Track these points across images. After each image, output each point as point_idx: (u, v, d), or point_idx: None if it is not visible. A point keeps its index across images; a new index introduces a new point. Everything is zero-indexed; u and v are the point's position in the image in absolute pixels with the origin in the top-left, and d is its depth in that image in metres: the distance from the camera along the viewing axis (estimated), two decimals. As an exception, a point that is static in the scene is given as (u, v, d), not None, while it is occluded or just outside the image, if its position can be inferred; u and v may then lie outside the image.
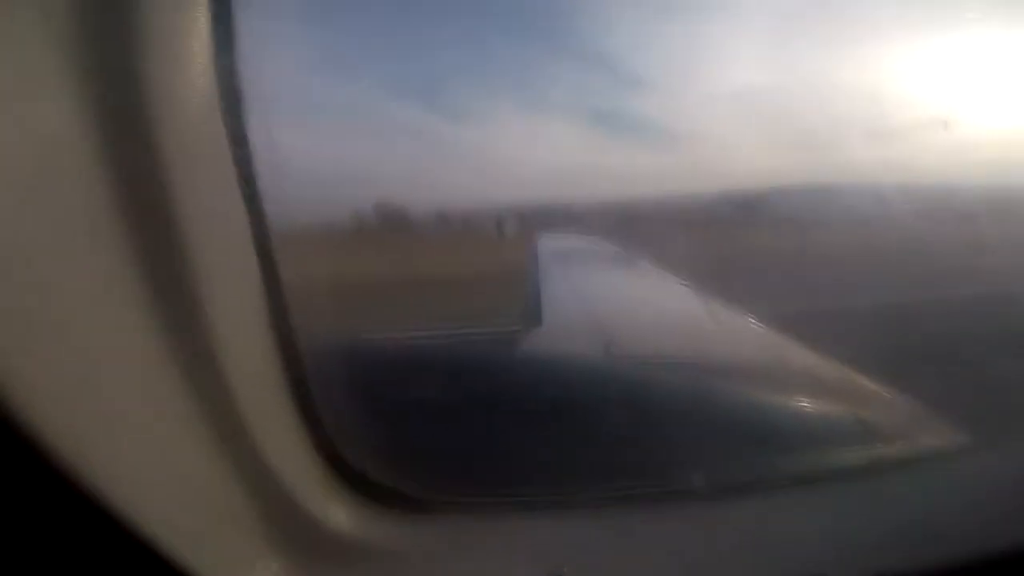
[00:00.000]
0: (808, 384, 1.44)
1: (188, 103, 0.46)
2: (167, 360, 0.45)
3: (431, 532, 0.72)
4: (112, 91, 0.42)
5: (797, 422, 1.13)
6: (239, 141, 0.52)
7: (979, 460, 0.95)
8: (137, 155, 0.43)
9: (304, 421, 0.58)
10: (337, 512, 0.64)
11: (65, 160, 0.39)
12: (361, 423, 0.75)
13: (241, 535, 0.54)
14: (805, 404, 1.23)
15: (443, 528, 0.74)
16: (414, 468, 0.75)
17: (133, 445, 0.44)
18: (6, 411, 0.33)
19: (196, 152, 0.47)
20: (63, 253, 0.39)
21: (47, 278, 0.38)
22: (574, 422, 1.02)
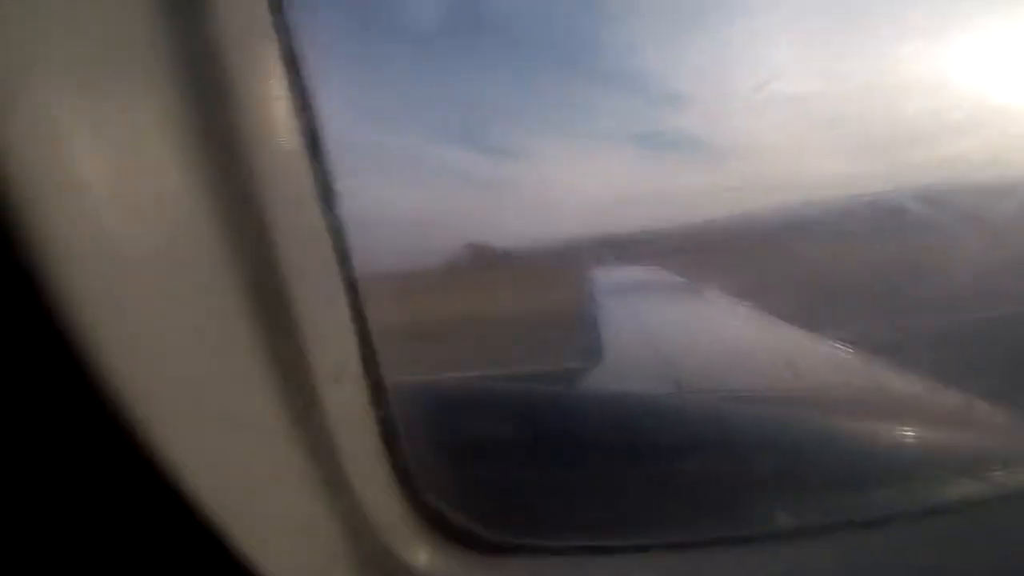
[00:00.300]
0: (903, 410, 1.33)
1: (278, 157, 0.51)
2: (278, 410, 0.50)
3: (510, 575, 0.72)
4: (216, 155, 0.47)
5: (890, 453, 1.04)
6: (325, 192, 0.57)
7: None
8: (241, 216, 0.48)
9: (391, 463, 0.61)
10: (421, 553, 0.66)
11: (191, 230, 0.45)
12: (443, 465, 0.77)
13: (332, 567, 0.57)
14: (900, 432, 1.14)
15: (522, 571, 0.74)
16: (494, 510, 0.76)
17: (251, 486, 0.49)
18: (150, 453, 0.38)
19: (289, 206, 0.52)
20: (194, 319, 0.45)
21: (182, 341, 0.44)
22: (652, 463, 1.00)
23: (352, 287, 0.58)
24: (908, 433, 1.13)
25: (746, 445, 1.05)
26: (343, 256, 0.57)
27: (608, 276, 4.92)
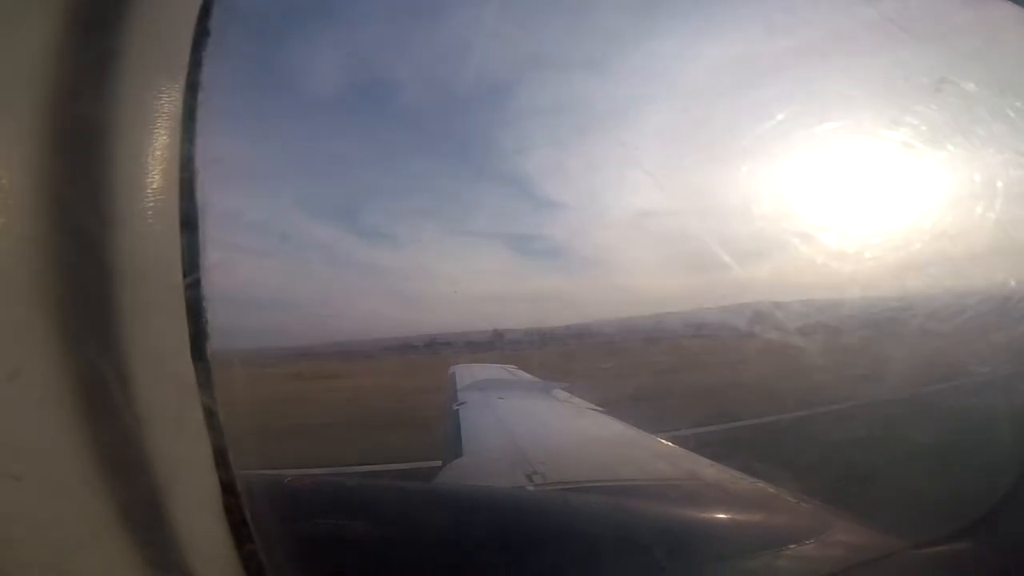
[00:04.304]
0: (720, 496, 1.52)
1: (146, 226, 0.48)
2: (119, 515, 0.44)
3: None
4: (76, 215, 0.44)
5: (715, 533, 1.18)
6: (191, 267, 0.54)
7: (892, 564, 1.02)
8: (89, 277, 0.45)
9: (244, 559, 0.55)
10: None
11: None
12: (297, 559, 0.70)
13: None
14: (719, 515, 1.30)
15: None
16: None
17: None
18: None
19: (149, 282, 0.49)
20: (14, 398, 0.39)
21: None
22: (500, 553, 1.01)
23: (206, 378, 0.54)
24: (720, 515, 1.29)
25: (594, 533, 1.11)
26: (199, 338, 0.54)
27: (467, 371, 4.97)
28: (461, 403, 3.53)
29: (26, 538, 0.40)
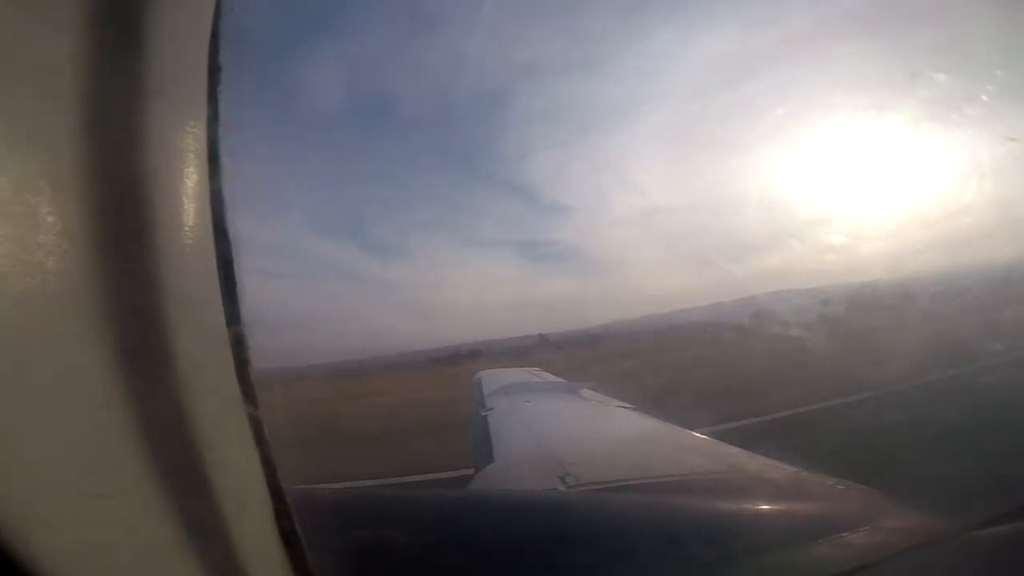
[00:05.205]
0: (764, 487, 1.48)
1: (186, 257, 0.51)
2: (176, 526, 0.45)
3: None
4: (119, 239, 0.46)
5: (763, 525, 1.15)
6: (230, 293, 0.56)
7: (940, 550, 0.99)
8: (135, 305, 0.46)
9: (294, 566, 0.56)
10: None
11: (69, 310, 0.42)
12: (345, 568, 0.71)
13: None
14: (765, 507, 1.26)
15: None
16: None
17: None
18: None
19: (193, 308, 0.51)
20: (62, 410, 0.40)
21: (46, 434, 0.39)
22: (537, 557, 1.00)
23: (251, 396, 0.55)
24: (765, 507, 1.26)
25: (630, 531, 1.09)
26: (242, 364, 0.55)
27: (493, 377, 4.97)
28: (489, 409, 3.52)
29: (91, 556, 0.40)
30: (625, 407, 3.39)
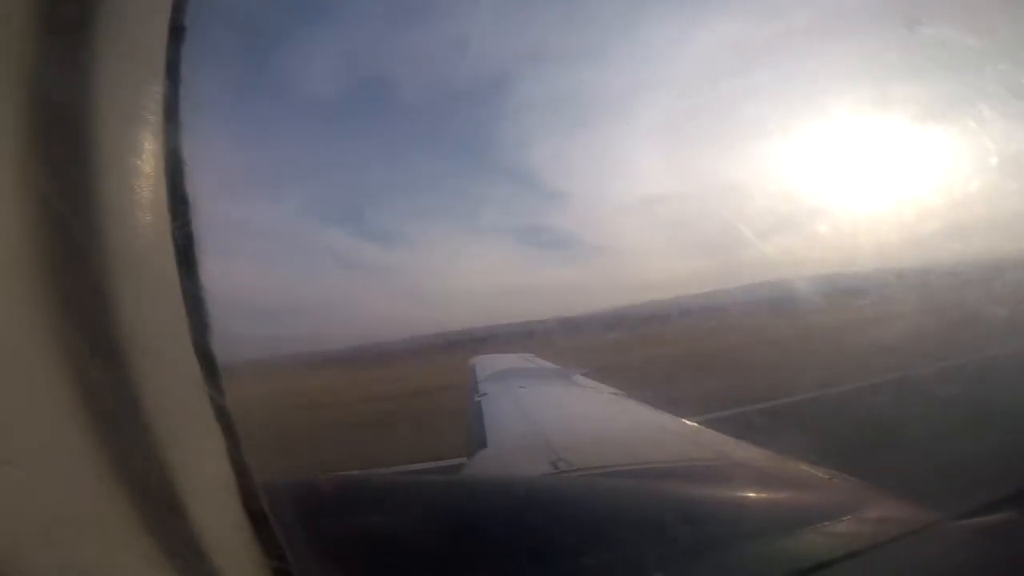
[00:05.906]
0: (752, 475, 1.50)
1: (143, 244, 0.48)
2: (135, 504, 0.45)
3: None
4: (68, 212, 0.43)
5: (749, 513, 1.17)
6: (191, 279, 0.52)
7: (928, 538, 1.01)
8: (91, 290, 0.44)
9: (266, 555, 0.56)
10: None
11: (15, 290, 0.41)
12: (323, 559, 0.71)
13: None
14: (752, 495, 1.28)
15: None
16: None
17: None
18: None
19: (151, 288, 0.49)
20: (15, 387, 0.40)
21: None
22: (525, 541, 1.01)
23: (215, 380, 0.54)
24: (752, 494, 1.28)
25: (619, 515, 1.11)
26: (201, 329, 0.53)
27: (487, 362, 4.99)
28: (483, 394, 3.54)
29: (35, 536, 0.40)
30: (617, 394, 3.41)
